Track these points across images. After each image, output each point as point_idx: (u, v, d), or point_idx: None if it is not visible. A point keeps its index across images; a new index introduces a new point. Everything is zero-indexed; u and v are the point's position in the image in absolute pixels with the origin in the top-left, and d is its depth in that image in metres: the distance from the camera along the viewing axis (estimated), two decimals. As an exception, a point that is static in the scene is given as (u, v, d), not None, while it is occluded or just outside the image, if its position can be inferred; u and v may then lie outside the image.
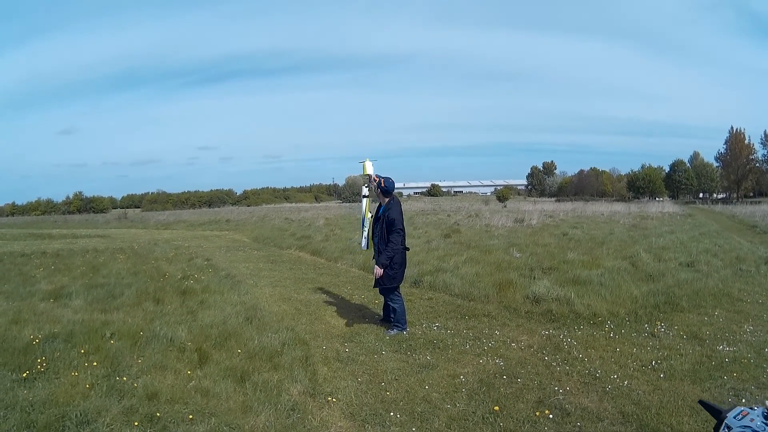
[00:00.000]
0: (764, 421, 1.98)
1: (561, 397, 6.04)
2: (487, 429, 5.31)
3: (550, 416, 5.56)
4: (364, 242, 9.35)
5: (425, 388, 6.35)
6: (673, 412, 5.55)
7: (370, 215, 9.24)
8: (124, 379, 6.18)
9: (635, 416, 5.51)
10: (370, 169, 9.18)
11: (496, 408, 5.72)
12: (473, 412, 5.67)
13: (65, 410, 5.28)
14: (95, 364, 6.56)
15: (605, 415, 5.60)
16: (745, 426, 1.99)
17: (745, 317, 9.36)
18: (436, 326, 9.00)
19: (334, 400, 5.99)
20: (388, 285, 8.61)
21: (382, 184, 8.66)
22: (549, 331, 8.61)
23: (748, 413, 2.06)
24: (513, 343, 8.06)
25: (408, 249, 8.94)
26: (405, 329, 8.70)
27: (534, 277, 12.16)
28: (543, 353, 7.57)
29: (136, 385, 6.02)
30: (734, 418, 2.04)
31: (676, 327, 8.68)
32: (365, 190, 9.25)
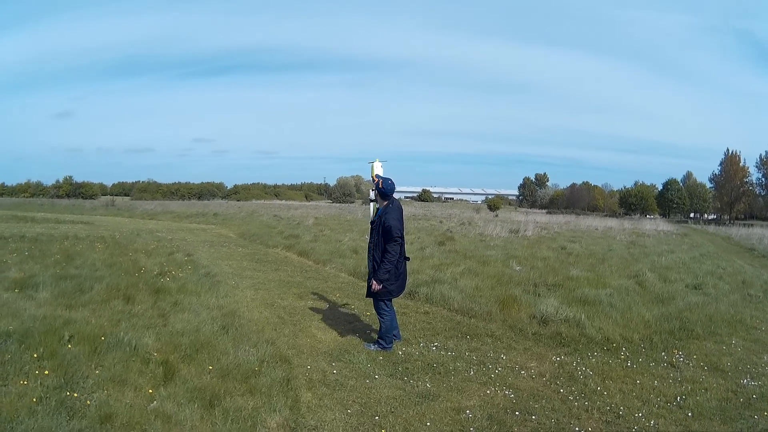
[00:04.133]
0: None
1: (583, 441, 5.25)
2: (503, 482, 4.47)
3: (575, 465, 4.75)
4: None
5: (427, 424, 5.48)
6: (708, 458, 4.87)
7: None
8: (75, 395, 5.31)
9: (669, 463, 4.78)
10: (379, 171, 8.38)
11: (512, 454, 4.88)
12: (485, 458, 4.83)
13: (7, 427, 4.52)
14: (47, 372, 5.73)
15: (636, 462, 4.84)
16: None
17: (763, 347, 8.82)
18: (435, 346, 8.14)
19: (319, 437, 5.09)
20: (380, 298, 7.80)
21: (380, 185, 7.84)
22: (560, 358, 7.84)
23: None
24: (522, 370, 7.24)
25: (408, 259, 8.14)
26: (388, 347, 7.88)
27: (539, 294, 11.38)
28: (557, 384, 6.79)
29: (89, 402, 5.19)
30: None
31: (694, 356, 8.05)
32: (372, 194, 8.40)
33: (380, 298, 7.80)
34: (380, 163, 8.46)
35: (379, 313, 7.93)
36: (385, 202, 7.89)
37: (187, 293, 10.32)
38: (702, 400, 6.30)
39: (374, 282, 7.60)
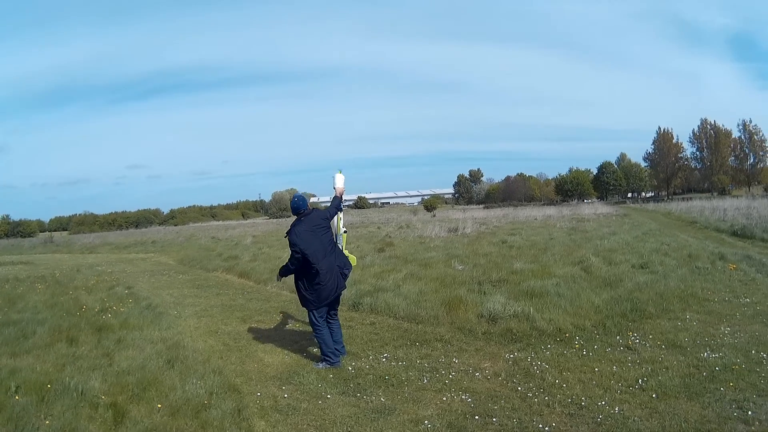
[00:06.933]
0: None
1: (548, 437, 5.17)
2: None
3: (544, 463, 4.65)
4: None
5: (386, 440, 5.26)
6: (680, 439, 4.89)
7: (343, 230, 8.69)
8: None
9: (641, 449, 4.78)
10: (340, 183, 8.52)
11: (477, 461, 4.74)
12: (450, 470, 4.68)
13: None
14: (-4, 429, 5.41)
15: (606, 452, 4.81)
16: None
17: (718, 318, 8.95)
18: (385, 357, 7.98)
19: (277, 469, 4.87)
20: (307, 308, 7.83)
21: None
22: (514, 354, 7.75)
23: None
24: (476, 372, 7.11)
25: (318, 273, 7.62)
26: (336, 362, 7.68)
27: (484, 292, 11.24)
28: (513, 382, 6.68)
29: (42, 459, 4.86)
30: None
31: (650, 336, 8.10)
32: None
33: (307, 309, 7.82)
34: (342, 176, 8.49)
35: (311, 326, 7.89)
36: (296, 218, 7.87)
37: (130, 328, 10.00)
38: (664, 380, 6.28)
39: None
